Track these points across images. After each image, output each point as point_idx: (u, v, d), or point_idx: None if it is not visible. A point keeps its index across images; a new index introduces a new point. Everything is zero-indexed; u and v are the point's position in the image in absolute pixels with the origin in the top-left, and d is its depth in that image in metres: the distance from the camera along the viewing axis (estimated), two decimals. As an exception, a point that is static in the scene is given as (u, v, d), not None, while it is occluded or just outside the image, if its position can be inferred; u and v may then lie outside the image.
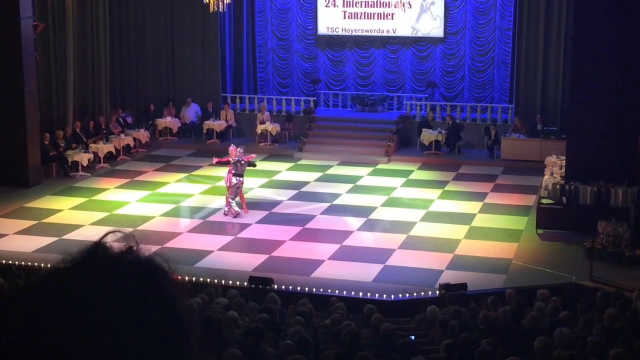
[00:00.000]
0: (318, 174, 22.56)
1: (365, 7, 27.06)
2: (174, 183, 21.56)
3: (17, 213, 18.78)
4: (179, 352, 1.25)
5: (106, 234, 1.30)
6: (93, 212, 18.85)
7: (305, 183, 21.63)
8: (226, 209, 18.47)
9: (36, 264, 14.84)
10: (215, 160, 19.07)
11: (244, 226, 17.94)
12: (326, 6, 27.39)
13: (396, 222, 18.23)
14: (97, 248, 1.27)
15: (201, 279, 14.02)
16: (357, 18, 27.19)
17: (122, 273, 1.24)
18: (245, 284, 14.07)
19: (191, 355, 1.27)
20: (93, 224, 17.69)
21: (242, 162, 18.26)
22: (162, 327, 1.23)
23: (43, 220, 18.19)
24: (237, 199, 18.48)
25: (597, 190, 17.25)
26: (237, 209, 18.30)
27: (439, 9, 26.45)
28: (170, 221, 18.36)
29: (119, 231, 1.32)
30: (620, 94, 17.35)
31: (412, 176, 22.46)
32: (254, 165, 19.08)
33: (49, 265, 1.27)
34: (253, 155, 19.84)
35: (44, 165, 21.66)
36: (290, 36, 28.19)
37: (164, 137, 26.37)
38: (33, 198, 19.88)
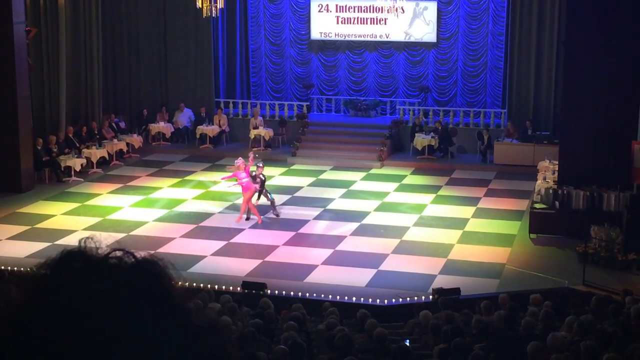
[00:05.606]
0: (311, 179, 22.55)
1: (358, 12, 27.09)
2: (166, 188, 21.54)
3: (10, 218, 18.73)
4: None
5: (82, 240, 1.31)
6: (86, 217, 18.82)
7: (299, 188, 21.62)
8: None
9: (29, 269, 14.77)
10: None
11: (237, 231, 17.93)
12: (319, 11, 27.41)
13: (389, 227, 18.23)
14: (75, 253, 1.28)
15: (194, 284, 14.01)
16: (350, 23, 27.22)
17: (97, 276, 1.25)
18: (239, 289, 14.06)
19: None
20: (86, 229, 17.66)
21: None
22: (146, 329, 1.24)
23: (36, 226, 18.15)
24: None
25: (589, 194, 17.28)
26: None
27: (431, 14, 26.50)
28: (163, 226, 18.33)
29: (90, 237, 1.32)
30: (612, 99, 17.39)
31: (405, 181, 22.47)
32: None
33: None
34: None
35: (37, 171, 21.61)
36: (284, 41, 28.19)
37: (157, 142, 26.35)
38: (26, 203, 19.84)
